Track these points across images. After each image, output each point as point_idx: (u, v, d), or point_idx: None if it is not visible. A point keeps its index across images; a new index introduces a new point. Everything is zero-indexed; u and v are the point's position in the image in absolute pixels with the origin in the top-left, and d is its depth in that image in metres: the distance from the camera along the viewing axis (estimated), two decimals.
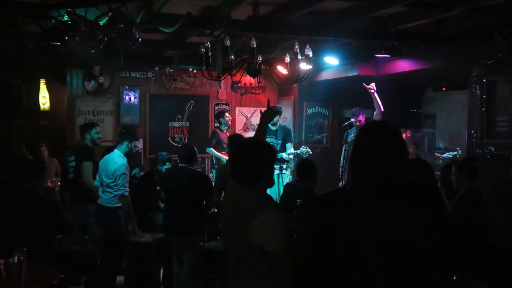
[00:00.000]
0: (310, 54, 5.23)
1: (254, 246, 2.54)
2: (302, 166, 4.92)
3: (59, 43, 4.67)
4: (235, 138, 5.72)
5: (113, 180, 5.47)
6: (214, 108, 9.76)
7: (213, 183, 5.48)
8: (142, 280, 5.65)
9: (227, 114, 8.40)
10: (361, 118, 7.02)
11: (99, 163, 5.74)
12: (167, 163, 6.40)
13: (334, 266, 2.11)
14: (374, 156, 2.10)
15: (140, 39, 4.34)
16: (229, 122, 8.52)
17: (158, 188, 6.16)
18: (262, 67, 5.64)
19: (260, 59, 5.23)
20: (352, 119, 7.04)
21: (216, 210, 5.56)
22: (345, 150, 7.13)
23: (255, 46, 5.01)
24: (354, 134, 7.03)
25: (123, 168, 5.48)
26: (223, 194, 5.21)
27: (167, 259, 5.43)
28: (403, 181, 2.09)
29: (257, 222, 2.51)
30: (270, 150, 2.76)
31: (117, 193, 5.48)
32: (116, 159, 5.57)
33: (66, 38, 4.37)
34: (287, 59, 5.48)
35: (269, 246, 2.51)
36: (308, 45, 5.20)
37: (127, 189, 5.52)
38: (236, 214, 2.67)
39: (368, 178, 2.10)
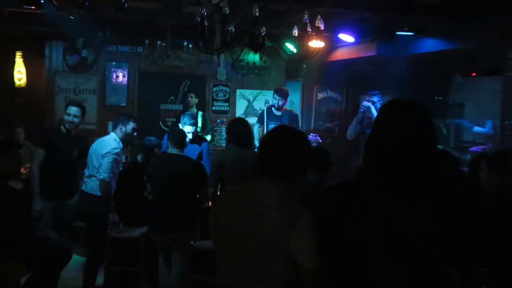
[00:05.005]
0: (322, 26, 5.16)
1: (285, 262, 2.23)
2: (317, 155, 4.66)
3: (34, 8, 4.58)
4: (238, 123, 5.59)
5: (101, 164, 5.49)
6: (212, 89, 9.69)
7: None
8: (124, 280, 5.61)
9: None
10: (376, 99, 6.97)
11: (90, 146, 5.73)
12: (155, 150, 6.32)
13: (342, 271, 2.05)
14: (396, 143, 2.01)
15: (126, 5, 4.24)
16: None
17: (144, 177, 6.08)
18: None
19: (264, 31, 5.15)
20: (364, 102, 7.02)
21: (211, 204, 5.50)
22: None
23: (257, 15, 4.92)
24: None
25: (114, 152, 5.51)
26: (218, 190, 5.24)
27: (152, 257, 5.36)
28: (426, 174, 2.01)
29: (298, 227, 2.21)
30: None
31: (100, 176, 5.48)
32: (111, 141, 5.59)
33: (42, 1, 4.27)
34: (296, 32, 5.40)
35: (301, 260, 2.21)
36: (319, 16, 5.12)
37: (110, 175, 5.50)
38: (256, 219, 2.32)
39: (386, 169, 2.02)
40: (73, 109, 5.74)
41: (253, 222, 2.31)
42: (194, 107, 8.81)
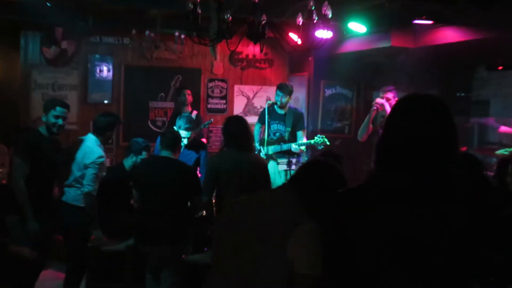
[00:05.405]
0: (329, 14, 5.16)
1: (282, 268, 2.40)
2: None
3: None
4: (234, 122, 5.57)
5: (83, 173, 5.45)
6: (207, 85, 9.68)
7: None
8: None
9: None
10: (390, 95, 6.96)
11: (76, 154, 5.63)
12: (143, 152, 6.31)
13: (345, 279, 2.08)
14: (401, 139, 2.03)
15: None
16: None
17: (130, 183, 6.08)
18: (269, 33, 5.53)
19: (265, 19, 5.16)
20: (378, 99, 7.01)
21: (204, 213, 5.50)
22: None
23: (257, 1, 4.92)
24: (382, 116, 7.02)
25: (100, 161, 5.47)
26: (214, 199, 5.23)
27: (139, 273, 5.34)
28: (444, 178, 2.02)
29: (297, 233, 2.40)
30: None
31: (84, 189, 5.42)
32: (94, 148, 5.52)
33: None
34: (300, 20, 5.41)
35: (298, 266, 2.36)
36: (326, 2, 5.13)
37: (95, 187, 5.46)
38: (259, 219, 2.55)
39: (392, 167, 2.05)
40: (62, 111, 5.55)
41: (256, 221, 2.52)
42: (189, 105, 8.76)
